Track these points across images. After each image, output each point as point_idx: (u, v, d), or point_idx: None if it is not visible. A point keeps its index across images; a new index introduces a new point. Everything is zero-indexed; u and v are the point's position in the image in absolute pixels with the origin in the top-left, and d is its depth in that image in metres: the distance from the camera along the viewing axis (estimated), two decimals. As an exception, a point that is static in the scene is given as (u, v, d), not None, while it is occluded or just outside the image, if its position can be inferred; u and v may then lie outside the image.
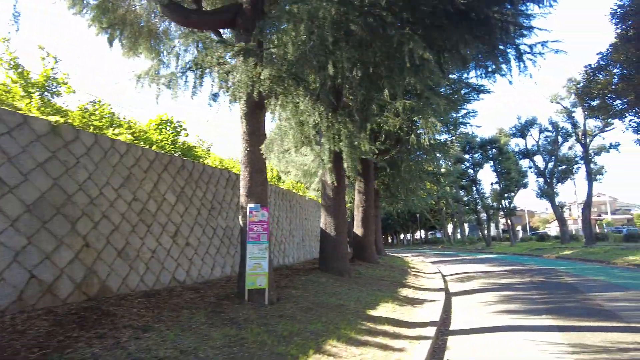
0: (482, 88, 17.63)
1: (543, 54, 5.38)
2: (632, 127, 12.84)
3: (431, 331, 5.28)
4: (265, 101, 5.71)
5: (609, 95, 11.56)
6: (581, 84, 12.46)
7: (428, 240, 75.55)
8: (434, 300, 8.11)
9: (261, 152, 6.38)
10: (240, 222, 6.63)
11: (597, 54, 11.85)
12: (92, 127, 7.16)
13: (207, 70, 5.98)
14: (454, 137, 24.63)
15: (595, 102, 12.41)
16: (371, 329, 5.33)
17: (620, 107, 11.50)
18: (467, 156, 41.14)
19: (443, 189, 52.28)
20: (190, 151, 10.35)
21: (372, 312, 6.35)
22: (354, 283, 9.55)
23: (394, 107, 18.37)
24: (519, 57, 5.28)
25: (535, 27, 6.15)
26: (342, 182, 11.00)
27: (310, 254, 15.97)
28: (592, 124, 27.12)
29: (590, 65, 12.16)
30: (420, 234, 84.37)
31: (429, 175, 27.29)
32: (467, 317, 6.61)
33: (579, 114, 27.07)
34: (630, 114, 11.55)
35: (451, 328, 5.95)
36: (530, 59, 5.49)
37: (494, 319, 6.22)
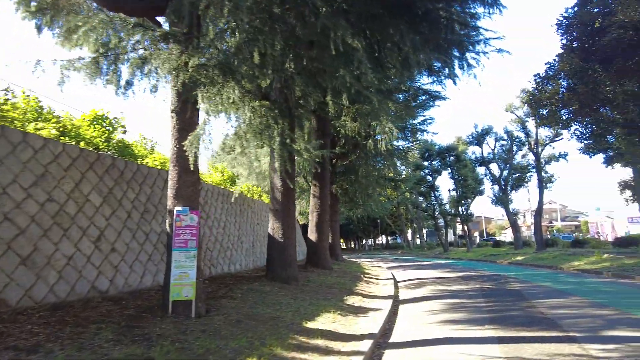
0: (437, 94, 17.75)
1: (487, 52, 5.17)
2: (576, 135, 13.13)
3: (367, 345, 4.92)
4: (194, 93, 5.19)
5: (557, 104, 11.74)
6: (531, 94, 12.58)
7: (389, 245, 76.29)
8: (379, 309, 7.80)
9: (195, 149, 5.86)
10: (167, 227, 6.07)
11: (545, 64, 12.04)
12: (8, 120, 6.43)
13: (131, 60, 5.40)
14: (412, 144, 24.85)
15: (545, 111, 12.60)
16: (302, 344, 4.91)
17: (566, 116, 11.70)
18: (426, 163, 41.78)
19: (403, 195, 53.01)
20: (127, 150, 9.64)
21: (310, 324, 5.94)
22: (300, 292, 9.11)
23: (351, 111, 18.21)
24: (462, 56, 5.06)
25: (481, 27, 6.00)
26: (290, 186, 10.57)
27: (262, 261, 15.38)
28: (544, 133, 28.08)
29: (539, 74, 12.35)
30: (381, 239, 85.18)
31: (387, 181, 27.38)
32: (410, 328, 6.31)
33: (531, 124, 27.96)
34: (575, 123, 11.77)
35: (391, 340, 5.62)
36: (474, 58, 5.27)
37: (436, 330, 5.95)
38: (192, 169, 5.96)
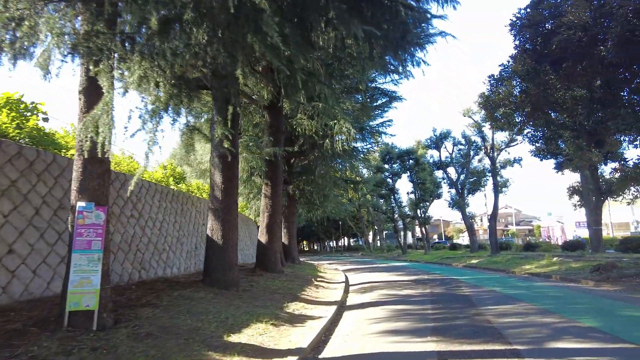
0: (394, 94, 17.49)
1: (432, 35, 4.68)
2: (528, 138, 13.09)
3: (290, 363, 4.31)
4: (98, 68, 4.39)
5: (510, 107, 11.62)
6: (486, 96, 12.41)
7: (350, 247, 76.41)
8: (320, 318, 7.21)
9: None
10: (69, 225, 5.22)
11: (499, 65, 11.88)
12: None
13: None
14: (372, 146, 24.57)
15: (499, 114, 12.47)
16: (214, 363, 4.23)
17: (519, 119, 11.59)
18: (386, 166, 41.89)
19: (364, 197, 53.03)
20: (46, 139, 8.60)
21: (232, 338, 5.25)
22: (237, 298, 8.40)
23: (308, 109, 17.63)
24: (403, 38, 4.54)
25: (432, 15, 5.52)
26: (232, 183, 9.82)
27: (207, 263, 14.50)
28: (500, 138, 28.57)
29: (493, 76, 12.20)
30: (343, 241, 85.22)
31: (346, 182, 27.01)
32: (348, 339, 5.75)
33: (488, 128, 28.37)
34: (527, 126, 11.69)
35: (321, 356, 5.02)
36: (418, 44, 4.76)
37: (375, 342, 5.41)
38: (99, 157, 5.14)
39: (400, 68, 7.63)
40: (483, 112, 27.38)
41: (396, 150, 39.54)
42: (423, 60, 6.26)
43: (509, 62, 11.69)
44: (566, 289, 10.49)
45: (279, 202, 14.88)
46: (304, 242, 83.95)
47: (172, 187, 13.94)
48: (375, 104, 18.56)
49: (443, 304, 8.51)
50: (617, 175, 18.62)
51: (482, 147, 28.58)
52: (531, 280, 12.97)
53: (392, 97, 17.40)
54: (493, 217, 27.61)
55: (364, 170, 55.52)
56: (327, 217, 40.24)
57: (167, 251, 10.86)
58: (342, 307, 9.09)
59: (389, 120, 22.93)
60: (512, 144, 28.17)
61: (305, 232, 62.79)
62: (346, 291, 12.02)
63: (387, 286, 12.68)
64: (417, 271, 18.88)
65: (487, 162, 30.25)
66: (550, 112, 10.98)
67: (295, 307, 8.23)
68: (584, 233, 46.06)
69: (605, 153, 12.02)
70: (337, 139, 17.14)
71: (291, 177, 21.76)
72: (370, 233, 65.05)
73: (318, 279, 14.66)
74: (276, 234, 14.58)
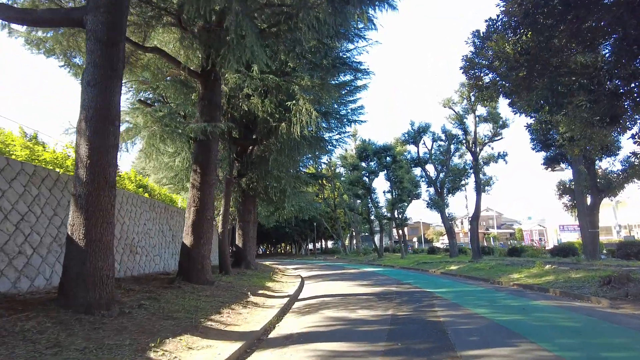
0: (359, 66, 14.59)
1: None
2: (521, 111, 10.36)
3: None
4: None
5: (501, 68, 8.83)
6: (468, 59, 9.56)
7: (327, 250, 73.52)
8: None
9: None
10: None
11: (486, 20, 9.05)
12: None
13: None
14: (341, 137, 21.67)
15: (487, 79, 9.67)
16: None
17: (511, 84, 8.81)
18: (363, 164, 39.18)
19: (340, 196, 50.15)
20: None
21: None
22: (93, 329, 5.34)
23: (256, 82, 14.60)
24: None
25: None
26: (106, 157, 6.74)
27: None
28: (483, 132, 26.03)
29: (478, 32, 9.39)
30: (321, 243, 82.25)
31: (313, 177, 24.09)
32: None
33: (471, 120, 25.83)
34: (524, 92, 8.91)
35: None
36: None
37: None
38: None
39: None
40: (465, 102, 24.87)
41: (373, 146, 36.84)
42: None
43: (501, 11, 8.88)
44: (577, 312, 7.69)
45: (210, 195, 11.80)
46: (282, 245, 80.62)
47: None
48: (338, 81, 15.66)
49: (403, 339, 5.58)
50: (618, 168, 16.22)
51: (464, 141, 25.99)
52: (525, 296, 10.17)
53: (357, 70, 14.50)
54: (475, 219, 25.03)
55: (341, 170, 52.89)
56: (295, 217, 37.25)
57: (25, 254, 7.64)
58: (258, 341, 6.10)
59: (360, 107, 20.15)
60: (496, 138, 25.70)
61: (279, 233, 59.64)
62: (284, 311, 9.04)
63: (341, 303, 9.74)
64: (387, 280, 16.02)
65: (468, 157, 27.72)
66: (554, 70, 8.21)
67: (175, 346, 5.20)
68: (569, 237, 44.19)
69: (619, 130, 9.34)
70: (296, 121, 14.24)
71: (246, 168, 18.75)
72: (348, 235, 62.25)
73: (259, 292, 11.63)
74: (205, 235, 11.48)
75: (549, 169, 20.84)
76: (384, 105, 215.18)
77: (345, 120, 19.68)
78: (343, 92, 17.53)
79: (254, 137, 17.99)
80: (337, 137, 21.15)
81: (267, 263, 36.68)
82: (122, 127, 11.11)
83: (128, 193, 12.78)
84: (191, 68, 12.03)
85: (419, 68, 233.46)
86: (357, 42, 13.50)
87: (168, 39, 11.68)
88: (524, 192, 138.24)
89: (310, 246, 75.96)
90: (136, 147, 14.66)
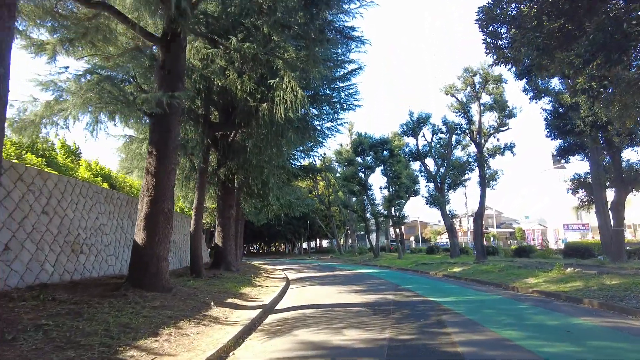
0: (351, 33, 12.45)
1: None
2: (552, 76, 8.26)
3: None
4: None
5: (527, 21, 6.74)
6: (486, 9, 7.43)
7: (322, 249, 71.49)
8: None
9: None
10: None
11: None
12: None
13: None
14: (334, 125, 19.57)
15: (506, 37, 7.58)
16: None
17: (541, 39, 6.71)
18: (359, 159, 37.13)
19: (335, 193, 48.06)
20: None
21: None
22: None
23: (237, 56, 12.56)
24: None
25: None
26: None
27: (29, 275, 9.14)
28: (488, 121, 23.99)
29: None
30: (316, 242, 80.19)
31: (301, 170, 22.01)
32: None
33: (475, 109, 23.80)
34: (557, 50, 6.84)
35: None
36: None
37: None
38: None
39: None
40: (469, 89, 22.81)
41: (369, 140, 34.75)
42: None
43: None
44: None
45: (169, 183, 9.65)
46: (276, 244, 78.42)
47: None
48: (327, 54, 13.53)
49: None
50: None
51: (468, 132, 23.91)
52: (557, 309, 8.09)
53: (350, 37, 12.35)
54: (479, 216, 23.01)
55: (337, 166, 50.74)
56: (287, 215, 35.11)
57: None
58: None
59: (355, 92, 18.03)
60: (502, 129, 23.65)
61: (271, 232, 57.48)
62: (250, 329, 6.93)
63: (324, 318, 7.66)
64: (383, 284, 13.96)
65: (472, 149, 25.68)
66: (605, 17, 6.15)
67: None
68: (573, 237, 42.27)
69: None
70: (279, 100, 12.15)
71: (226, 158, 16.66)
72: (343, 234, 60.18)
73: (227, 301, 9.55)
74: (161, 231, 9.34)
75: (562, 160, 18.82)
76: (382, 98, 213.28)
77: (337, 105, 17.56)
78: (334, 71, 15.46)
79: (235, 120, 15.88)
80: (329, 125, 19.08)
81: (256, 263, 34.58)
82: (51, 96, 8.94)
83: (74, 181, 10.64)
84: (148, 30, 9.92)
85: (420, 56, 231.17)
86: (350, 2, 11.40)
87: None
88: (521, 191, 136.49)
89: (305, 245, 73.87)
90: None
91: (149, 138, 10.33)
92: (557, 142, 19.13)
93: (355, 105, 18.32)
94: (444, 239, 70.18)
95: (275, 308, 9.49)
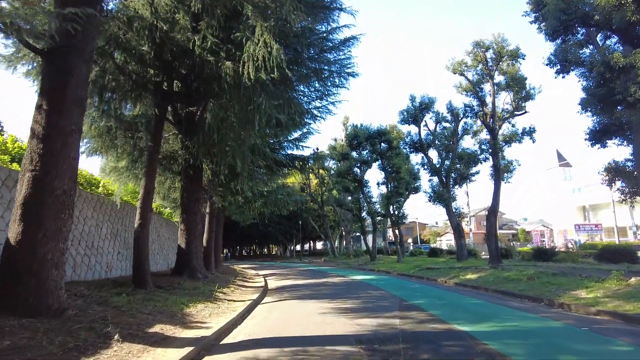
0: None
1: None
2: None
3: None
4: None
5: None
6: None
7: (315, 251, 68.09)
8: None
9: None
10: None
11: None
12: None
13: None
14: (325, 98, 16.27)
15: None
16: None
17: None
18: (354, 153, 33.86)
19: (329, 191, 44.71)
20: None
21: None
22: None
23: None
24: None
25: None
26: None
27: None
28: (501, 104, 20.75)
29: None
30: (309, 244, 76.77)
31: (286, 158, 18.69)
32: None
33: (487, 89, 20.57)
34: None
35: None
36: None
37: None
38: None
39: None
40: (480, 67, 19.65)
41: (365, 131, 31.45)
42: None
43: None
44: None
45: (65, 151, 6.31)
46: (270, 246, 74.81)
47: None
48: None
49: None
50: None
51: (480, 114, 20.62)
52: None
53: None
54: (492, 213, 19.76)
55: (331, 163, 47.40)
56: (272, 213, 31.66)
57: None
58: None
59: (349, 61, 14.70)
60: (519, 113, 20.45)
61: (261, 233, 54.06)
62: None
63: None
64: (383, 298, 10.65)
65: (483, 136, 22.42)
66: None
67: None
68: (584, 238, 39.18)
69: None
70: (248, 57, 8.96)
71: (190, 138, 13.37)
72: (337, 235, 56.78)
73: (151, 329, 6.25)
74: (50, 223, 6.01)
75: (598, 145, 15.60)
76: (380, 91, 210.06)
77: (326, 73, 14.21)
78: (324, 37, 12.30)
79: (196, 88, 12.53)
80: (318, 104, 15.82)
81: (240, 267, 31.22)
82: None
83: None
84: None
85: (423, 40, 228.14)
86: None
87: None
88: (520, 190, 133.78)
89: (298, 247, 70.39)
90: None
91: (39, 87, 6.96)
92: (590, 123, 15.95)
93: (349, 74, 14.94)
94: (444, 241, 67.01)
95: (222, 342, 6.17)
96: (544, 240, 44.64)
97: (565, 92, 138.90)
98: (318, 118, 16.42)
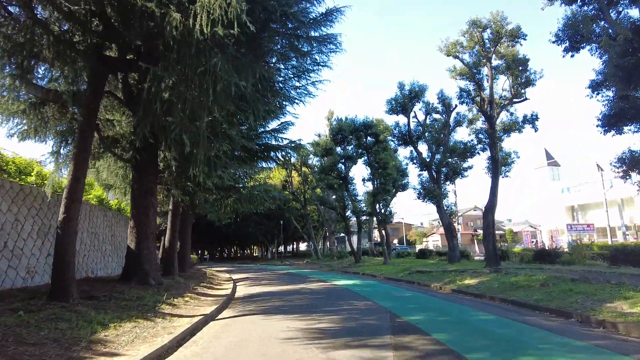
0: None
1: None
2: None
3: None
4: None
5: None
6: None
7: (298, 253, 65.76)
8: None
9: None
10: None
11: None
12: None
13: None
14: (302, 78, 14.10)
15: None
16: None
17: None
18: (338, 149, 31.73)
19: (313, 189, 42.46)
20: None
21: None
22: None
23: None
24: None
25: None
26: None
27: None
28: (500, 89, 18.82)
29: None
30: (292, 246, 74.45)
31: (259, 145, 16.43)
32: None
33: (484, 73, 18.59)
34: None
35: None
36: None
37: None
38: None
39: None
40: (477, 47, 17.72)
41: (350, 124, 29.28)
42: None
43: None
44: None
45: None
46: (252, 247, 72.09)
47: None
48: None
49: None
50: None
51: (477, 99, 18.60)
52: None
53: None
54: (490, 210, 17.80)
55: (315, 161, 45.11)
56: (258, 214, 29.19)
57: None
58: None
59: (330, 36, 12.43)
60: (518, 100, 18.55)
61: (241, 234, 51.55)
62: None
63: None
64: (370, 312, 8.47)
65: (479, 125, 20.44)
66: None
67: None
68: (567, 239, 37.63)
69: None
70: (201, 6, 6.70)
71: (134, 110, 10.98)
72: (321, 236, 54.54)
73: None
74: None
75: (612, 132, 13.74)
76: (367, 86, 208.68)
77: (306, 47, 11.97)
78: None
79: (139, 49, 10.20)
80: (297, 84, 13.72)
81: (214, 270, 28.75)
82: None
83: None
84: None
85: (415, 27, 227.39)
86: None
87: None
88: (507, 192, 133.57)
89: (282, 248, 67.88)
90: None
91: None
92: (603, 108, 14.07)
93: (332, 50, 12.74)
94: (431, 241, 65.37)
95: None
96: (534, 241, 43.15)
97: (552, 90, 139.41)
98: (296, 101, 14.23)
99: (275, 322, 7.54)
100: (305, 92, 13.73)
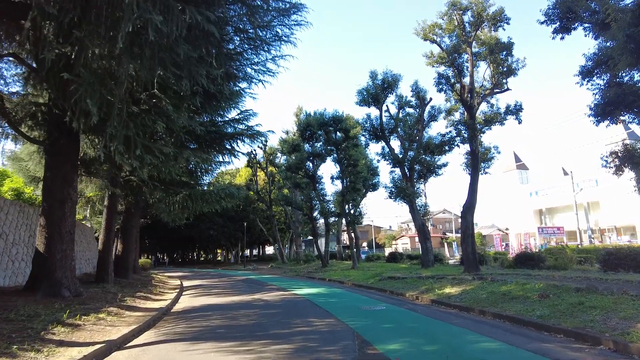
0: None
1: None
2: None
3: None
4: None
5: None
6: None
7: (264, 257, 63.07)
8: None
9: None
10: None
11: None
12: None
13: None
14: (260, 51, 11.90)
15: None
16: None
17: None
18: (306, 146, 29.65)
19: (280, 189, 40.14)
20: None
21: None
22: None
23: None
24: None
25: None
26: None
27: None
28: (481, 79, 17.23)
29: None
30: (259, 249, 71.61)
31: (208, 130, 14.07)
32: None
33: (464, 59, 16.94)
34: None
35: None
36: None
37: None
38: None
39: None
40: (457, 30, 16.10)
41: (319, 119, 27.21)
42: None
43: None
44: None
45: None
46: (215, 251, 68.73)
47: None
48: None
49: None
50: None
51: (457, 87, 16.90)
52: None
53: None
54: (469, 209, 16.14)
55: (282, 159, 42.81)
56: (221, 216, 26.58)
57: None
58: None
59: None
60: (499, 90, 17.01)
61: (202, 237, 48.54)
62: None
63: None
64: (331, 338, 6.37)
65: (457, 117, 18.77)
66: None
67: None
68: (538, 242, 37.00)
69: None
70: None
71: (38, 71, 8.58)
72: (288, 238, 52.17)
73: None
74: None
75: (607, 121, 12.27)
76: (340, 81, 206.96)
77: (266, 17, 9.82)
78: None
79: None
80: (255, 59, 11.58)
81: (165, 276, 26.01)
82: None
83: None
84: None
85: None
86: None
87: None
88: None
89: (248, 252, 64.96)
90: None
91: None
92: (597, 96, 12.61)
93: (296, 22, 10.71)
94: (400, 244, 64.15)
95: None
96: (504, 245, 42.40)
97: (517, 91, 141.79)
98: (254, 80, 12.11)
99: (200, 355, 5.33)
100: (265, 69, 11.58)
